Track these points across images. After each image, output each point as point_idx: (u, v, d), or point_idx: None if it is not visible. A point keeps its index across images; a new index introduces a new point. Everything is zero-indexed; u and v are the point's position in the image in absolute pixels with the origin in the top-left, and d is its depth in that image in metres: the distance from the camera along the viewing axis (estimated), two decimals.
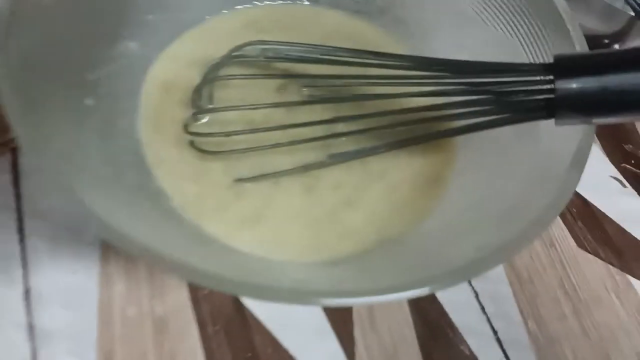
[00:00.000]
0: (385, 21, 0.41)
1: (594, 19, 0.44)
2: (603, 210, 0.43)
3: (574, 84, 0.24)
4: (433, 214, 0.31)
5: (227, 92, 0.35)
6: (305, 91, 0.36)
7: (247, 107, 0.33)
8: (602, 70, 0.24)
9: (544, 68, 0.26)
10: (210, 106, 0.35)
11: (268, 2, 0.41)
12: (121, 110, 0.33)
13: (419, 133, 0.32)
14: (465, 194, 0.31)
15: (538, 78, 0.26)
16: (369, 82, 0.33)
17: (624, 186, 0.45)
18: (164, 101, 0.34)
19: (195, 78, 0.35)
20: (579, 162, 0.25)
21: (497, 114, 0.27)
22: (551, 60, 0.27)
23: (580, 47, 0.29)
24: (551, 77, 0.25)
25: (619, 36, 0.44)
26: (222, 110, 0.34)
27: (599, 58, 0.25)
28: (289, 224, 0.31)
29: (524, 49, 0.33)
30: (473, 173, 0.32)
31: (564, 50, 0.30)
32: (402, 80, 0.31)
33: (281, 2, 0.41)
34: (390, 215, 0.32)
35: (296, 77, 0.35)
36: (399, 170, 0.34)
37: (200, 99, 0.34)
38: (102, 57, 0.32)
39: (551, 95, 0.25)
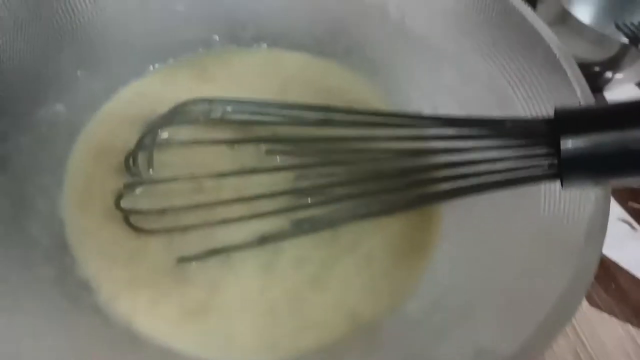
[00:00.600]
0: (351, 61, 0.37)
1: (585, 46, 0.40)
2: (614, 260, 0.38)
3: (582, 143, 0.19)
4: (416, 291, 0.26)
5: (170, 155, 0.30)
6: (264, 146, 0.31)
7: (190, 177, 0.28)
8: (614, 124, 0.19)
9: (545, 123, 0.21)
10: (150, 174, 0.29)
11: (221, 48, 0.37)
12: (40, 187, 0.28)
13: (403, 197, 0.27)
14: (453, 266, 0.26)
15: (539, 137, 0.21)
16: (340, 139, 0.28)
17: (634, 229, 0.40)
18: (95, 170, 0.30)
19: (133, 140, 0.30)
20: (598, 230, 0.20)
21: (492, 176, 0.22)
22: (548, 107, 0.23)
23: (580, 90, 0.25)
24: (553, 135, 0.20)
25: (611, 64, 0.40)
26: (162, 182, 0.28)
27: (609, 110, 0.20)
28: (241, 316, 0.25)
29: (513, 90, 0.29)
30: (462, 239, 0.27)
31: (562, 92, 0.25)
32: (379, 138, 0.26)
33: (235, 46, 0.37)
34: (364, 295, 0.26)
35: (248, 141, 0.31)
36: (374, 237, 0.28)
37: (136, 165, 0.29)
38: (17, 125, 0.27)
39: (555, 158, 0.20)
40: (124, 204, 0.28)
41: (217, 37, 0.36)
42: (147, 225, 0.27)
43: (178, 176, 0.28)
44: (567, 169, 0.20)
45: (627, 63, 0.40)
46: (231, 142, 0.31)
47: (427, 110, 0.34)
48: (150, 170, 0.30)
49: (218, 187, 0.29)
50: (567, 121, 0.20)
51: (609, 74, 0.42)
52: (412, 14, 0.34)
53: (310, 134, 0.29)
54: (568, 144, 0.20)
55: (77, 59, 0.31)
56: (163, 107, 0.32)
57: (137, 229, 0.27)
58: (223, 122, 0.32)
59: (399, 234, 0.29)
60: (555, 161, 0.21)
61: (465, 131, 0.23)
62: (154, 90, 0.34)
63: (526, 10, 0.29)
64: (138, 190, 0.29)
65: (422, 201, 0.27)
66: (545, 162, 0.21)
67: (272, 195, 0.27)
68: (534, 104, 0.28)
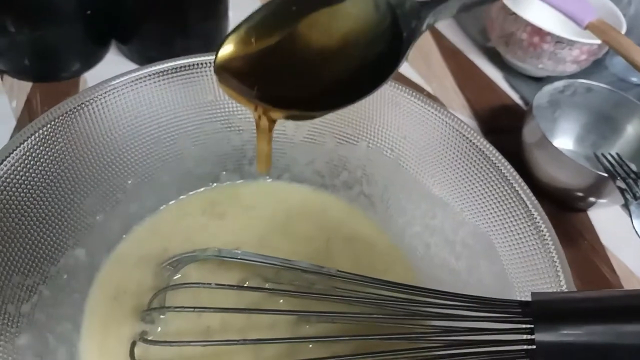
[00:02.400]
0: (351, 195, 0.39)
1: (567, 173, 0.43)
2: None
3: (555, 337, 0.21)
4: None
5: (181, 295, 0.32)
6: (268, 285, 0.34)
7: (200, 342, 0.29)
8: (590, 318, 0.21)
9: (521, 306, 0.23)
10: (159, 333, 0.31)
11: (229, 182, 0.40)
12: (60, 335, 0.29)
13: None
14: None
15: (515, 324, 0.23)
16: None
17: None
18: (110, 314, 0.32)
19: (146, 281, 0.33)
20: None
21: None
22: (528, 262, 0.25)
23: (559, 259, 0.27)
24: (530, 324, 0.22)
25: (593, 190, 0.43)
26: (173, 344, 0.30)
27: (586, 303, 0.22)
28: None
29: (498, 242, 0.32)
30: None
31: (540, 255, 0.28)
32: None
33: (242, 180, 0.40)
34: None
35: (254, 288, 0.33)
36: None
37: (150, 316, 0.31)
38: (41, 277, 0.30)
39: (532, 346, 0.22)
40: (137, 351, 0.30)
41: (225, 173, 0.39)
42: None
43: (188, 342, 0.29)
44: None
45: (608, 191, 0.42)
46: (238, 285, 0.33)
47: (420, 248, 0.36)
48: (162, 316, 0.32)
49: (223, 329, 0.31)
50: (542, 309, 0.22)
51: (591, 199, 0.44)
52: (405, 158, 0.37)
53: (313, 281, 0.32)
54: (543, 335, 0.22)
55: (97, 204, 0.34)
56: (175, 245, 0.34)
57: None
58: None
59: None
60: (531, 347, 0.23)
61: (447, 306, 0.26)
62: (167, 227, 0.36)
63: (509, 171, 0.32)
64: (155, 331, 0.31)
65: None
66: (523, 352, 0.23)
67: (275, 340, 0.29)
68: (515, 259, 0.31)
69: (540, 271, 0.29)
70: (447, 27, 0.64)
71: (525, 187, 0.32)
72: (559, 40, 0.52)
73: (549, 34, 0.52)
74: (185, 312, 0.32)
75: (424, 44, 0.62)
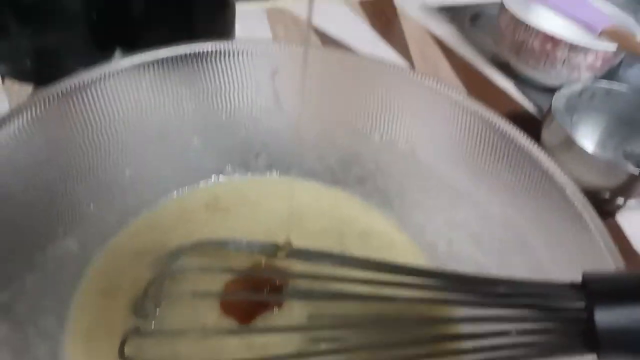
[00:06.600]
0: (364, 191, 0.37)
1: (593, 173, 0.40)
2: None
3: (617, 318, 0.18)
4: None
5: (178, 284, 0.29)
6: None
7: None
8: None
9: (571, 288, 0.20)
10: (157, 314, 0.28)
11: (234, 177, 0.37)
12: (42, 330, 0.26)
13: None
14: None
15: (567, 306, 0.20)
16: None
17: None
18: (100, 311, 0.28)
19: (141, 277, 0.29)
20: None
21: (517, 348, 0.21)
22: (572, 254, 0.22)
23: (603, 242, 0.24)
24: (584, 303, 0.19)
25: (621, 190, 0.40)
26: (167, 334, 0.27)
27: None
28: None
29: (531, 234, 0.29)
30: None
31: (584, 242, 0.25)
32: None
33: (250, 175, 0.37)
34: None
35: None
36: None
37: (144, 308, 0.28)
38: (25, 265, 0.27)
39: (587, 327, 0.19)
40: (128, 349, 0.26)
41: (229, 167, 0.37)
42: None
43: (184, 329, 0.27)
44: (605, 344, 0.19)
45: (638, 190, 0.40)
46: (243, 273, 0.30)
47: (441, 244, 0.33)
48: (157, 310, 0.28)
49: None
50: (599, 290, 0.20)
51: (620, 200, 0.42)
52: (421, 148, 0.34)
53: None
54: (602, 317, 0.19)
55: (91, 193, 0.31)
56: (175, 241, 0.32)
57: None
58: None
59: None
60: (587, 331, 0.19)
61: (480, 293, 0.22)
62: (166, 222, 0.33)
63: (540, 155, 0.29)
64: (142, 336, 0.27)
65: None
66: (580, 336, 0.20)
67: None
68: (554, 250, 0.28)
69: (584, 260, 0.26)
70: (456, 42, 0.64)
71: (560, 171, 0.29)
72: (573, 47, 0.51)
73: (562, 40, 0.51)
74: (181, 310, 0.28)
75: (432, 57, 0.61)
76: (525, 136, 0.30)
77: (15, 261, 0.26)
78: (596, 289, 0.20)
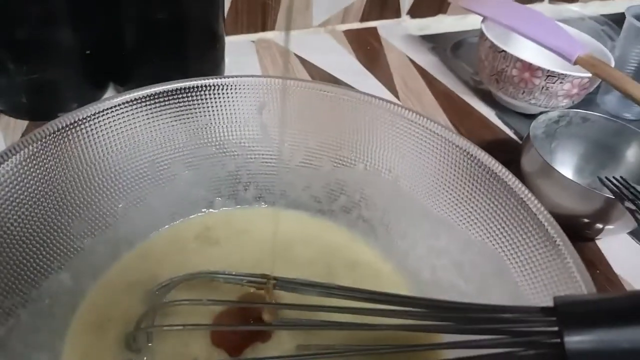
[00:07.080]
0: (350, 220, 0.38)
1: (571, 198, 0.42)
2: None
3: (587, 340, 0.19)
4: None
5: (169, 316, 0.30)
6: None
7: None
8: (628, 318, 0.19)
9: (543, 311, 0.21)
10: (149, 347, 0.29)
11: (224, 208, 0.38)
12: None
13: None
14: None
15: (540, 330, 0.21)
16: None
17: None
18: (93, 344, 0.29)
19: (132, 310, 0.30)
20: None
21: None
22: (545, 280, 0.23)
23: (576, 267, 0.26)
24: (555, 328, 0.20)
25: (599, 216, 0.42)
26: None
27: (621, 302, 0.21)
28: None
29: (508, 260, 0.30)
30: None
31: (557, 267, 0.26)
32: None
33: (238, 206, 0.38)
34: None
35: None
36: None
37: (136, 342, 0.29)
38: (21, 300, 0.28)
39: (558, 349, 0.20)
40: None
41: (219, 199, 0.38)
42: None
43: None
44: None
45: (616, 215, 0.41)
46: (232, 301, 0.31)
47: (425, 272, 0.34)
48: (149, 344, 0.29)
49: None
50: (568, 313, 0.21)
51: (599, 225, 0.43)
52: (404, 177, 0.36)
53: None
54: (573, 342, 0.20)
55: (85, 227, 0.32)
56: (166, 272, 0.32)
57: None
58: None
59: None
60: (558, 355, 0.20)
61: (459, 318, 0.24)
62: (158, 253, 0.34)
63: (515, 183, 0.31)
64: None
65: None
66: (547, 355, 0.21)
67: None
68: (531, 275, 0.29)
69: (558, 285, 0.28)
70: (437, 70, 0.66)
71: (535, 199, 0.30)
72: (550, 75, 0.53)
73: (539, 68, 0.53)
74: (172, 342, 0.29)
75: (415, 87, 0.63)
76: (501, 165, 0.32)
77: (10, 296, 0.27)
78: (567, 313, 0.21)
